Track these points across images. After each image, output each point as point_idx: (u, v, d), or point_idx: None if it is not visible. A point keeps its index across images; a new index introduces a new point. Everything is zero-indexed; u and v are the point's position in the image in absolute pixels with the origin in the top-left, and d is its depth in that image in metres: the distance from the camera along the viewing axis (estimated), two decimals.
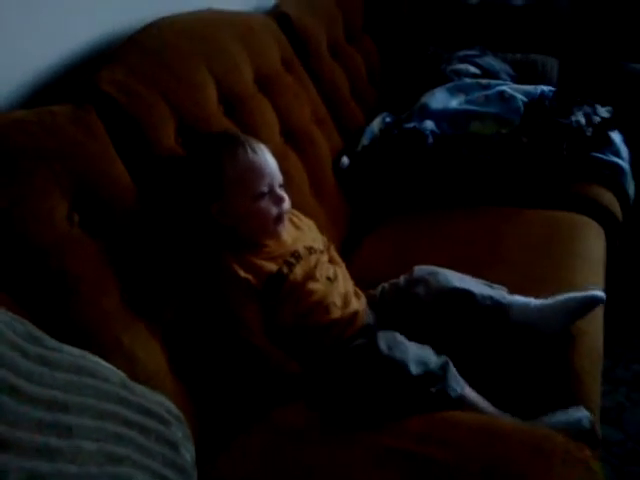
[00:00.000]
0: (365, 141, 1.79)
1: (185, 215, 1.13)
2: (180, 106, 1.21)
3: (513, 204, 1.68)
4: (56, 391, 0.71)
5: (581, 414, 1.03)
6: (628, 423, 1.59)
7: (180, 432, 0.88)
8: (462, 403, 1.04)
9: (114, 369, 0.84)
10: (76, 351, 0.79)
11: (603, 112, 1.87)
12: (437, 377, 1.02)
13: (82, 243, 0.96)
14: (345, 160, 1.69)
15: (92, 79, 1.12)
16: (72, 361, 0.77)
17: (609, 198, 1.72)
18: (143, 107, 1.15)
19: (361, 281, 1.31)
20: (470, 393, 1.05)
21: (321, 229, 1.38)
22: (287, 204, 1.16)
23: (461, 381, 1.05)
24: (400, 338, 1.06)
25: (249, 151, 1.12)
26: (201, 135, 1.20)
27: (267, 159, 1.15)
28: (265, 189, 1.12)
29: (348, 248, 1.54)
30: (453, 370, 1.05)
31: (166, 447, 0.82)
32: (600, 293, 1.17)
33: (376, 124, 1.87)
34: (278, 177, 1.16)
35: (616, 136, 1.87)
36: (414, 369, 1.01)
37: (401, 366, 1.01)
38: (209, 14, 1.45)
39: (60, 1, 1.16)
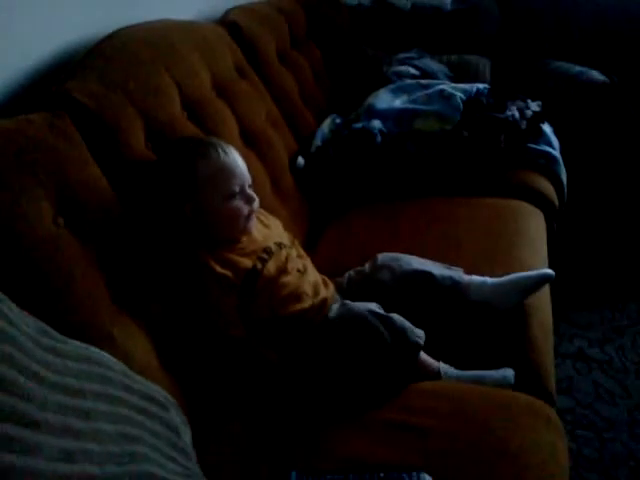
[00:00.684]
0: (318, 142, 1.87)
1: (161, 216, 1.17)
2: (148, 111, 1.25)
3: (459, 194, 1.80)
4: (70, 378, 0.75)
5: (507, 372, 1.14)
6: (577, 391, 1.73)
7: (178, 417, 0.93)
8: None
9: (114, 359, 0.88)
10: (79, 343, 0.84)
11: (534, 106, 2.02)
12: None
13: (70, 244, 0.99)
14: (301, 160, 1.77)
15: (64, 87, 1.15)
16: (79, 351, 0.81)
17: (545, 185, 1.86)
18: (113, 113, 1.18)
19: (326, 271, 1.38)
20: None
21: (285, 226, 1.45)
22: (257, 203, 1.22)
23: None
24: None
25: (221, 153, 1.18)
26: (172, 140, 1.24)
27: (237, 160, 1.21)
28: (236, 189, 1.18)
29: (310, 242, 1.61)
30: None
31: (169, 431, 0.87)
32: (549, 271, 1.29)
33: (326, 125, 1.95)
34: (248, 177, 1.22)
35: (547, 128, 2.02)
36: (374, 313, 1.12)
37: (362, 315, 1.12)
38: (165, 24, 1.49)
39: (23, 14, 1.19)
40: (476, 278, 1.30)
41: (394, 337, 1.10)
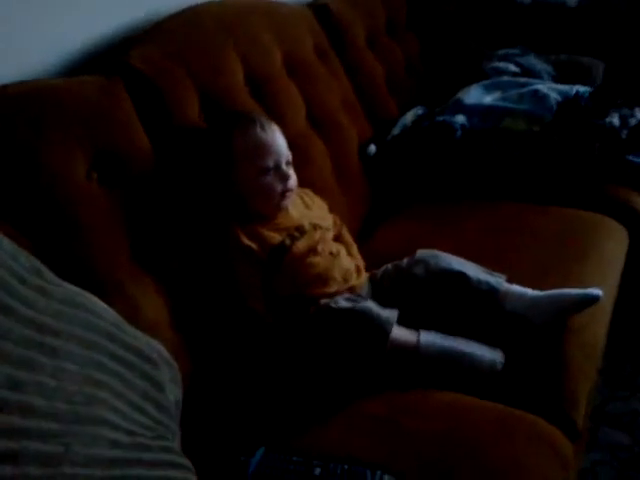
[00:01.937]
0: (396, 131, 1.83)
1: (198, 182, 1.21)
2: (205, 84, 1.29)
3: (538, 202, 1.68)
4: (48, 317, 0.79)
5: (495, 354, 1.09)
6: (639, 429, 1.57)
7: (167, 375, 0.95)
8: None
9: (110, 310, 0.92)
10: (75, 288, 0.88)
11: None
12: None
13: (98, 198, 1.05)
14: (372, 148, 1.74)
15: (123, 56, 1.22)
16: (69, 295, 0.85)
17: (637, 201, 1.70)
18: (169, 81, 1.23)
19: (370, 262, 1.36)
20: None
21: (339, 212, 1.44)
22: (293, 181, 1.23)
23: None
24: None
25: (258, 128, 1.20)
26: (220, 112, 1.27)
27: (275, 137, 1.22)
28: (270, 164, 1.19)
29: (365, 233, 1.59)
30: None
31: (149, 384, 0.89)
32: (597, 292, 1.18)
33: (409, 116, 1.91)
34: (285, 155, 1.22)
35: None
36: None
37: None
38: (244, 2, 1.53)
39: None
40: (516, 288, 1.22)
41: (358, 327, 1.07)
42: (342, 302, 1.12)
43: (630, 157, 1.78)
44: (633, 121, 1.81)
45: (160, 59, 1.24)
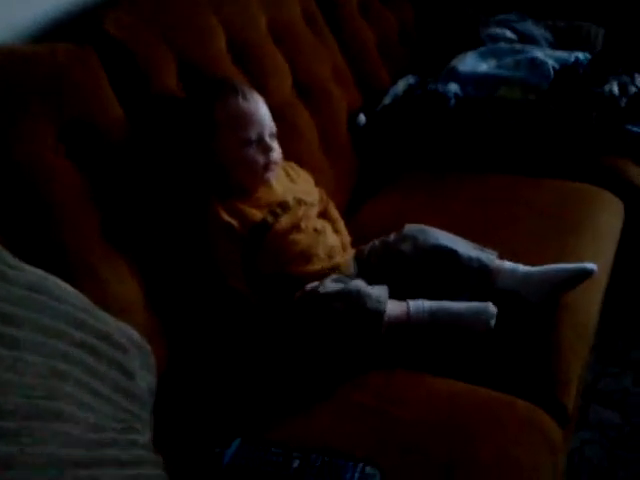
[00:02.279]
0: (387, 100, 1.76)
1: (176, 155, 1.15)
2: (184, 50, 1.23)
3: (533, 174, 1.63)
4: (8, 305, 0.74)
5: (488, 307, 1.05)
6: (630, 408, 1.54)
7: (138, 361, 0.90)
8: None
9: (80, 294, 0.87)
10: (40, 272, 0.83)
11: None
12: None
13: (67, 173, 1.00)
14: (362, 118, 1.67)
15: (97, 20, 1.15)
16: (32, 280, 0.80)
17: (635, 172, 1.64)
18: (145, 48, 1.17)
19: (359, 237, 1.31)
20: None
21: (326, 185, 1.39)
22: (277, 154, 1.17)
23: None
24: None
25: (240, 98, 1.13)
26: (200, 80, 1.21)
27: (258, 108, 1.16)
28: (253, 136, 1.13)
29: (353, 206, 1.54)
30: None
31: (118, 373, 0.84)
32: (590, 266, 1.14)
33: (401, 85, 1.83)
34: (269, 126, 1.16)
35: None
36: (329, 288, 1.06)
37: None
38: None
39: None
40: (508, 264, 1.17)
41: (351, 311, 1.02)
42: (330, 285, 1.07)
43: (629, 126, 1.72)
44: (633, 89, 1.74)
45: (135, 25, 1.17)
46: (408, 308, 1.06)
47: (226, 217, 1.11)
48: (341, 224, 1.33)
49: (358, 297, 1.03)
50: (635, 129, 1.71)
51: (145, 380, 0.90)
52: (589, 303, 1.22)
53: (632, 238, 1.56)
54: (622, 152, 1.69)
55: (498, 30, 2.00)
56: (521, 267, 1.16)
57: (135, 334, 0.92)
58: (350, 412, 0.93)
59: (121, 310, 0.98)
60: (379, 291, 1.06)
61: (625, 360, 1.66)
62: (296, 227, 1.16)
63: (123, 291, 1.01)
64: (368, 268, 1.22)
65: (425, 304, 1.08)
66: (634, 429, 1.48)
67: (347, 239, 1.29)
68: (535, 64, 1.76)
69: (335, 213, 1.34)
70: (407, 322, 1.05)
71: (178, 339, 1.07)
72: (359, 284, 1.08)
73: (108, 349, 0.85)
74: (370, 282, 1.14)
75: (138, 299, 1.03)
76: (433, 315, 1.07)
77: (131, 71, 1.15)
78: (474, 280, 1.16)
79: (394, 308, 1.05)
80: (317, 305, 1.05)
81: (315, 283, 1.09)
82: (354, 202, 1.55)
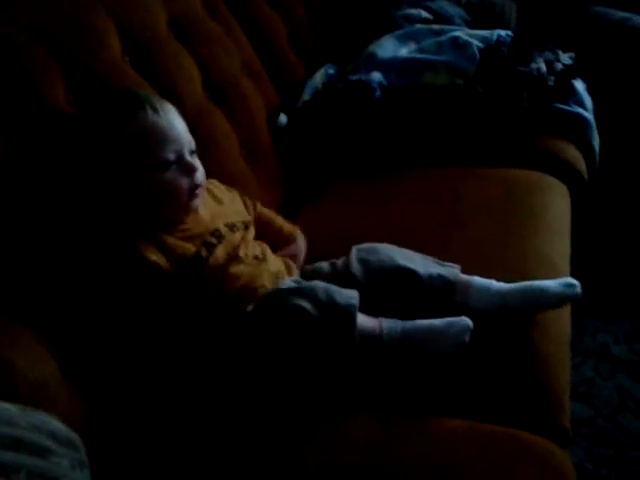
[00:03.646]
0: (306, 96, 1.60)
1: (79, 188, 0.94)
2: (71, 56, 1.01)
3: (470, 163, 1.53)
4: None
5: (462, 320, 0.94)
6: (598, 398, 1.48)
7: (66, 460, 0.70)
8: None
9: None
10: None
11: (565, 59, 1.72)
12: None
13: None
14: (282, 118, 1.51)
15: None
16: None
17: (573, 153, 1.58)
18: (22, 58, 0.95)
19: None
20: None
21: (253, 196, 1.21)
22: (201, 174, 0.98)
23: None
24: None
25: (149, 111, 0.93)
26: (96, 93, 1.00)
27: (172, 121, 0.96)
28: (171, 156, 0.94)
29: (287, 215, 1.36)
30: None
31: None
32: (576, 290, 1.02)
33: (319, 77, 1.68)
34: (188, 143, 0.97)
35: (579, 85, 1.71)
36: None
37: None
38: None
39: None
40: (478, 280, 1.04)
41: (321, 309, 0.87)
42: (289, 283, 0.94)
43: (558, 105, 1.65)
44: (559, 66, 1.67)
45: (10, 30, 0.95)
46: (380, 322, 0.93)
47: (151, 256, 0.92)
48: (279, 219, 1.20)
49: (326, 292, 0.89)
50: (565, 107, 1.65)
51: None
52: (562, 310, 1.11)
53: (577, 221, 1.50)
54: (555, 132, 1.62)
55: (412, 10, 1.88)
56: (494, 283, 1.03)
57: (58, 426, 0.71)
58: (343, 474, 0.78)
59: (32, 391, 0.78)
60: (348, 290, 0.93)
61: (581, 349, 1.60)
62: (234, 258, 0.98)
63: (31, 368, 0.80)
64: None
65: (398, 322, 0.95)
66: (607, 421, 1.41)
67: (293, 248, 1.16)
68: (459, 44, 1.65)
69: (268, 212, 1.19)
70: (379, 337, 0.92)
71: (110, 402, 0.87)
72: (316, 283, 0.94)
73: (24, 459, 0.64)
74: None
75: (52, 374, 0.82)
76: (406, 333, 0.94)
77: (6, 84, 0.92)
78: (437, 300, 1.02)
79: (365, 320, 0.92)
80: (279, 306, 0.89)
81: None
82: (287, 213, 1.38)
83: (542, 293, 1.01)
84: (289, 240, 1.17)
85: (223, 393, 0.93)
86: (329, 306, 0.88)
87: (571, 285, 1.02)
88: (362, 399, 0.93)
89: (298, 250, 1.16)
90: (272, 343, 0.90)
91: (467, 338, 0.94)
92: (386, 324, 0.94)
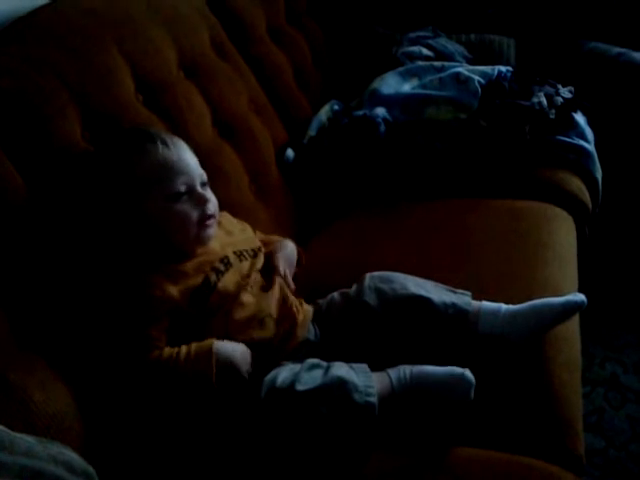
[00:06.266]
0: (312, 132, 1.63)
1: (94, 222, 0.96)
2: (87, 95, 1.04)
3: (475, 195, 1.54)
4: None
5: (464, 376, 0.91)
6: (609, 428, 1.47)
7: None
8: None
9: (20, 437, 0.66)
10: None
11: (565, 93, 1.75)
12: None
13: None
14: (290, 153, 1.53)
15: None
16: None
17: (577, 184, 1.60)
18: (39, 97, 0.97)
19: (309, 290, 1.15)
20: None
21: (263, 230, 1.23)
22: (213, 205, 1.00)
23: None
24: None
25: (160, 146, 0.96)
26: (111, 130, 1.02)
27: (183, 154, 0.99)
28: (182, 188, 0.96)
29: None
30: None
31: None
32: (580, 297, 1.03)
33: (324, 113, 1.71)
34: (199, 175, 1.00)
35: (580, 118, 1.74)
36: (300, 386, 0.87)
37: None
38: None
39: None
40: (487, 305, 1.05)
41: (336, 411, 0.85)
42: (305, 377, 0.88)
43: (560, 137, 1.67)
44: (559, 100, 1.70)
45: (27, 69, 0.97)
46: (390, 379, 0.92)
47: (164, 288, 0.92)
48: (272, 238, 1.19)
49: (342, 391, 0.86)
50: (567, 139, 1.68)
51: None
52: (570, 332, 1.12)
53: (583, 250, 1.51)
54: (557, 163, 1.65)
55: (413, 48, 1.92)
56: (503, 307, 1.04)
57: (74, 457, 0.72)
58: None
59: (48, 425, 0.79)
60: (364, 377, 0.90)
61: (591, 378, 1.59)
62: (242, 287, 1.00)
63: (47, 401, 0.80)
64: (329, 322, 1.07)
65: (405, 370, 0.94)
66: (619, 451, 1.40)
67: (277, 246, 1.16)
68: (460, 80, 1.68)
69: (263, 237, 1.19)
70: (393, 393, 0.91)
71: (124, 438, 0.87)
72: (338, 370, 0.90)
73: None
74: (333, 336, 1.02)
75: (69, 407, 0.83)
76: (414, 379, 0.93)
77: (23, 123, 0.94)
78: (451, 328, 1.03)
79: (380, 387, 0.90)
80: (294, 409, 0.86)
81: (277, 373, 0.91)
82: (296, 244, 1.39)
83: (547, 304, 1.02)
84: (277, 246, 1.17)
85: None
86: (347, 407, 0.86)
87: (575, 294, 1.04)
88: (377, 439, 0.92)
89: (283, 246, 1.17)
90: (287, 433, 0.87)
91: (472, 394, 0.92)
92: (395, 376, 0.93)
